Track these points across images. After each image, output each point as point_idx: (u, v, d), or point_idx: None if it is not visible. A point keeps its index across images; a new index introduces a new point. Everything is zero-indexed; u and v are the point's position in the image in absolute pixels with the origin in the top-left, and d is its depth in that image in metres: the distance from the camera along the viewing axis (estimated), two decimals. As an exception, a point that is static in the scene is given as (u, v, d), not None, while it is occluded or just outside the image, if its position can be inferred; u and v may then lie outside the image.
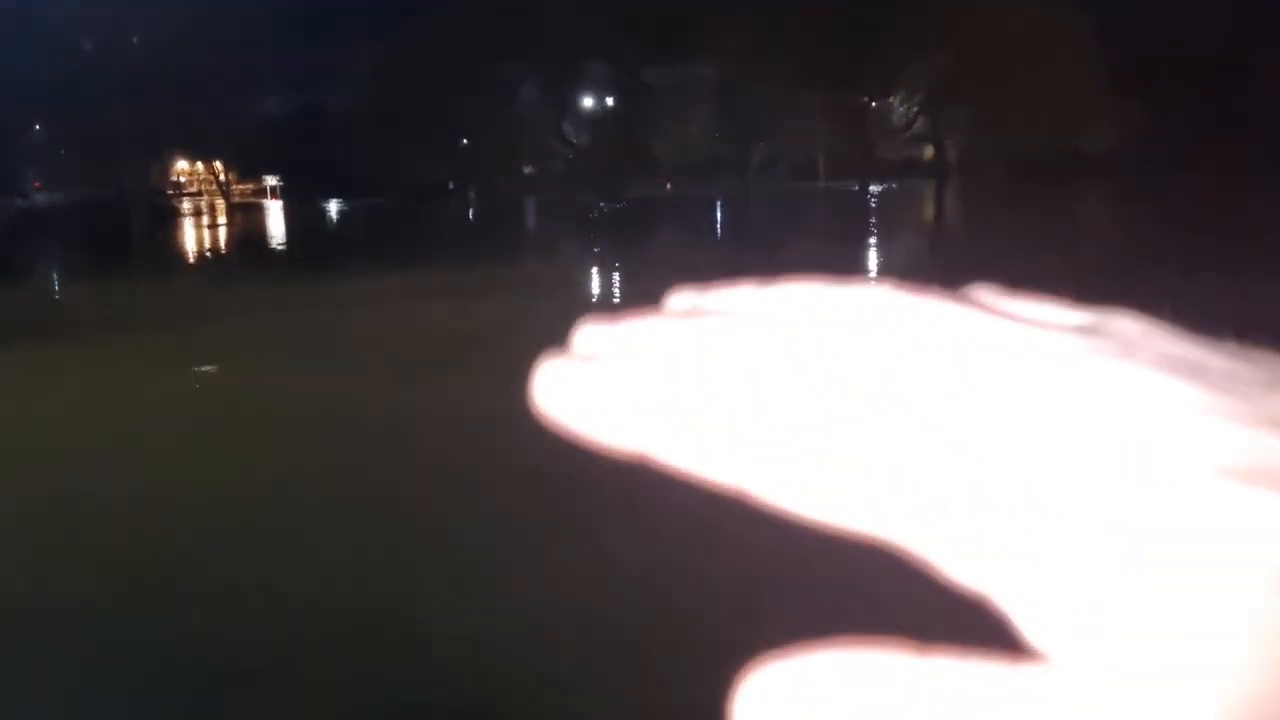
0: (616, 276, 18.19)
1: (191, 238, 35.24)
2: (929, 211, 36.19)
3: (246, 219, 44.49)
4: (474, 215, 44.34)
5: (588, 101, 48.54)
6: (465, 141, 48.01)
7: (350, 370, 9.57)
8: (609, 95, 48.15)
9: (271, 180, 55.94)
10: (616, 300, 14.98)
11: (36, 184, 52.81)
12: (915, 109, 49.48)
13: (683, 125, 48.30)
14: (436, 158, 47.45)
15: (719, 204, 41.89)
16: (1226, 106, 46.48)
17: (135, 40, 47.82)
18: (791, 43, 44.07)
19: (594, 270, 19.50)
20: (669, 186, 49.58)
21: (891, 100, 48.94)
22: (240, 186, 57.55)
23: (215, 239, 34.63)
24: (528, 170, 50.47)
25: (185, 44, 46.13)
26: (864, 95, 47.66)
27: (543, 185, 50.21)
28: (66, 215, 43.65)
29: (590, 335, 0.28)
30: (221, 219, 45.27)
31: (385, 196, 49.98)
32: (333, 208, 50.39)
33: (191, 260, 26.86)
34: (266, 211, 49.50)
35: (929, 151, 51.30)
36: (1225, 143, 44.72)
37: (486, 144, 47.23)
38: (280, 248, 29.77)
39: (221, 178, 56.08)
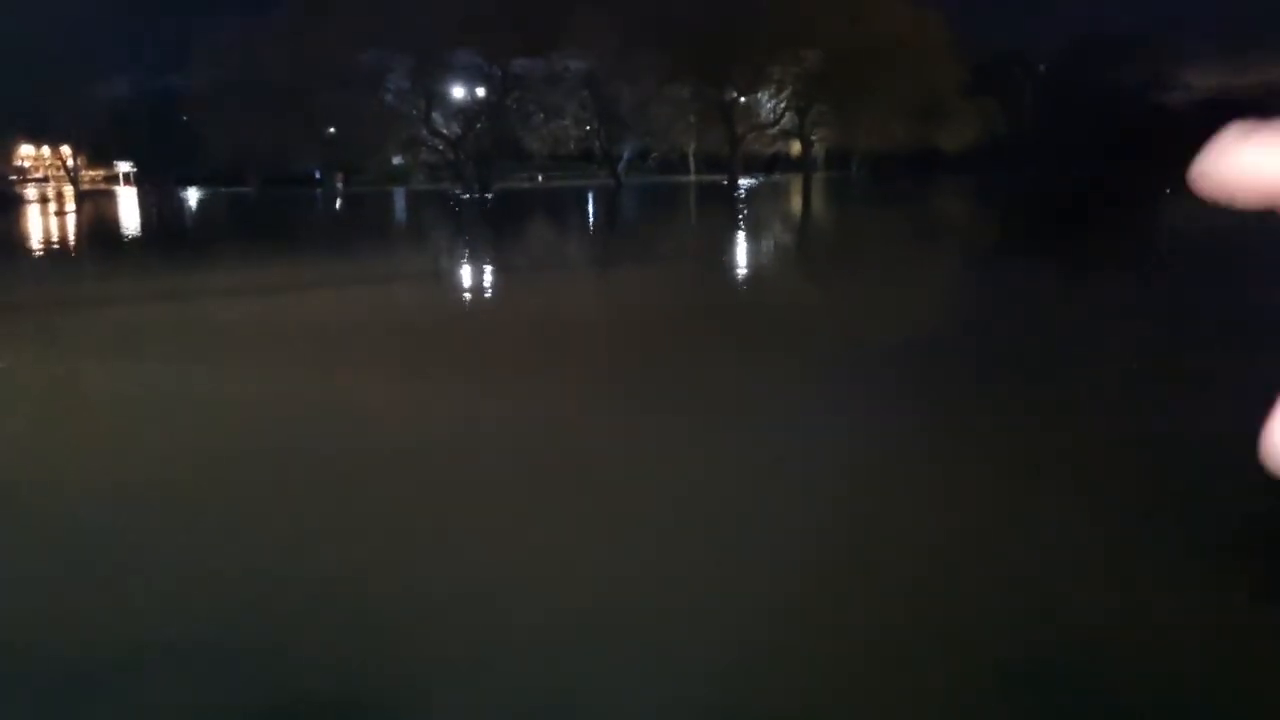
0: (474, 268, 18.09)
1: (35, 226, 33.44)
2: (789, 205, 37.03)
3: (95, 207, 42.46)
4: (339, 205, 43.36)
5: (458, 92, 47.97)
6: (332, 130, 46.87)
7: (167, 363, 9.30)
8: (479, 86, 47.68)
9: (125, 166, 53.53)
10: (473, 292, 14.93)
11: None
12: (782, 105, 50.53)
13: (553, 118, 48.24)
14: (302, 146, 46.21)
15: (589, 196, 42.02)
16: (1072, 106, 48.99)
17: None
18: (661, 37, 44.46)
19: (453, 262, 19.37)
20: (540, 178, 49.54)
21: (759, 96, 49.89)
22: (90, 172, 54.87)
23: (60, 228, 32.91)
24: (396, 160, 49.64)
25: (28, 20, 43.71)
26: (733, 90, 48.42)
27: (411, 176, 49.49)
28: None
29: None
30: (69, 206, 43.09)
31: (247, 185, 48.42)
32: (191, 196, 48.54)
33: (29, 249, 25.50)
34: (118, 199, 47.35)
35: (796, 147, 52.51)
36: (1072, 140, 47.17)
37: (353, 133, 46.21)
38: (127, 237, 28.51)
39: (70, 163, 53.36)
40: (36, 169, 56.84)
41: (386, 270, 18.24)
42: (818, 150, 53.20)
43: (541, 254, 21.40)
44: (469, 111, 47.41)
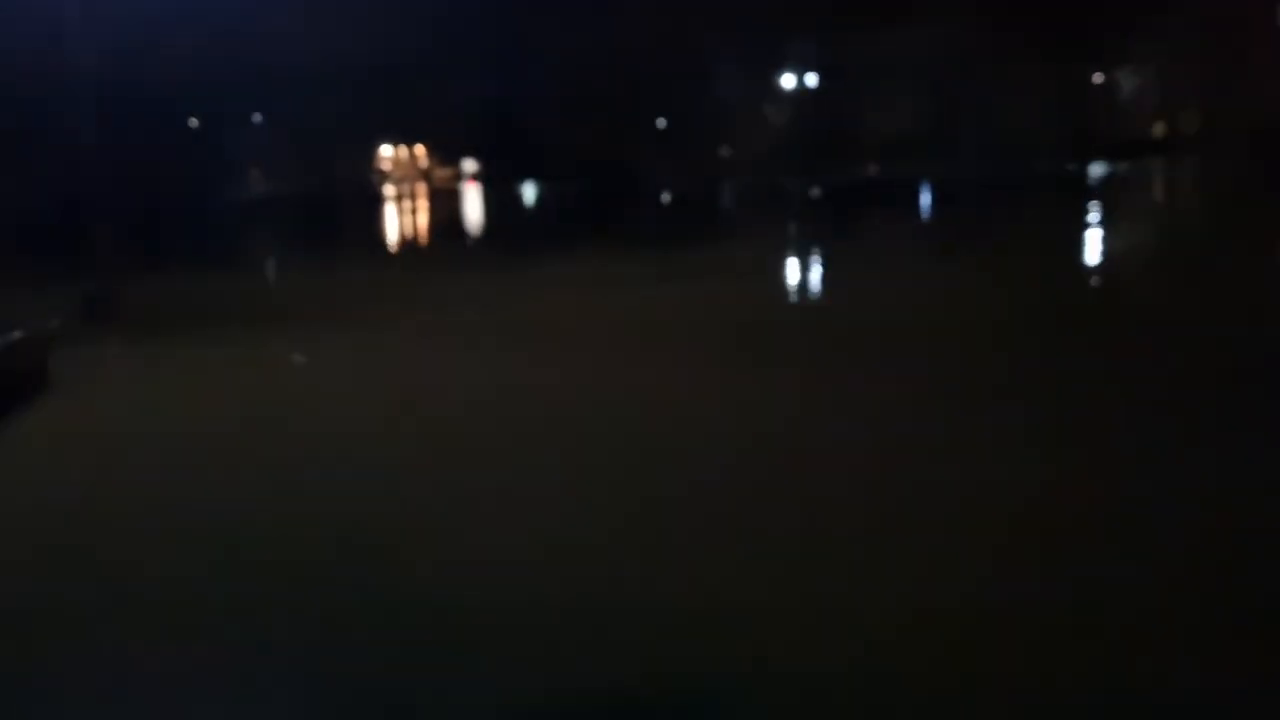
0: (810, 264, 17.11)
1: (406, 224, 36.08)
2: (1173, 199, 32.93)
3: (448, 203, 45.28)
4: (672, 199, 43.57)
5: (788, 81, 46.90)
6: (662, 122, 47.37)
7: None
8: (811, 74, 46.35)
9: (470, 165, 56.96)
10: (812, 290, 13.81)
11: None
12: (1143, 81, 45.58)
13: (887, 106, 45.93)
14: (633, 142, 47.00)
15: (928, 189, 39.45)
16: None
17: (345, 34, 49.30)
18: (1009, 10, 41.25)
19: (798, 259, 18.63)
20: (873, 170, 47.45)
21: (1118, 72, 45.22)
22: (440, 172, 58.90)
23: (430, 224, 35.31)
24: (724, 153, 49.36)
25: (391, 34, 47.22)
26: (1093, 69, 44.14)
27: (741, 168, 48.98)
28: (290, 207, 45.26)
29: None
30: (424, 204, 46.26)
31: (580, 180, 50.00)
32: (529, 192, 50.80)
33: (402, 243, 27.31)
34: (466, 196, 50.40)
35: (1159, 128, 47.10)
36: None
37: (684, 127, 46.48)
38: (485, 233, 29.96)
39: (423, 164, 57.52)
40: (394, 170, 61.79)
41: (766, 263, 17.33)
42: (1186, 129, 47.50)
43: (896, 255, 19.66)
44: (799, 101, 46.25)
